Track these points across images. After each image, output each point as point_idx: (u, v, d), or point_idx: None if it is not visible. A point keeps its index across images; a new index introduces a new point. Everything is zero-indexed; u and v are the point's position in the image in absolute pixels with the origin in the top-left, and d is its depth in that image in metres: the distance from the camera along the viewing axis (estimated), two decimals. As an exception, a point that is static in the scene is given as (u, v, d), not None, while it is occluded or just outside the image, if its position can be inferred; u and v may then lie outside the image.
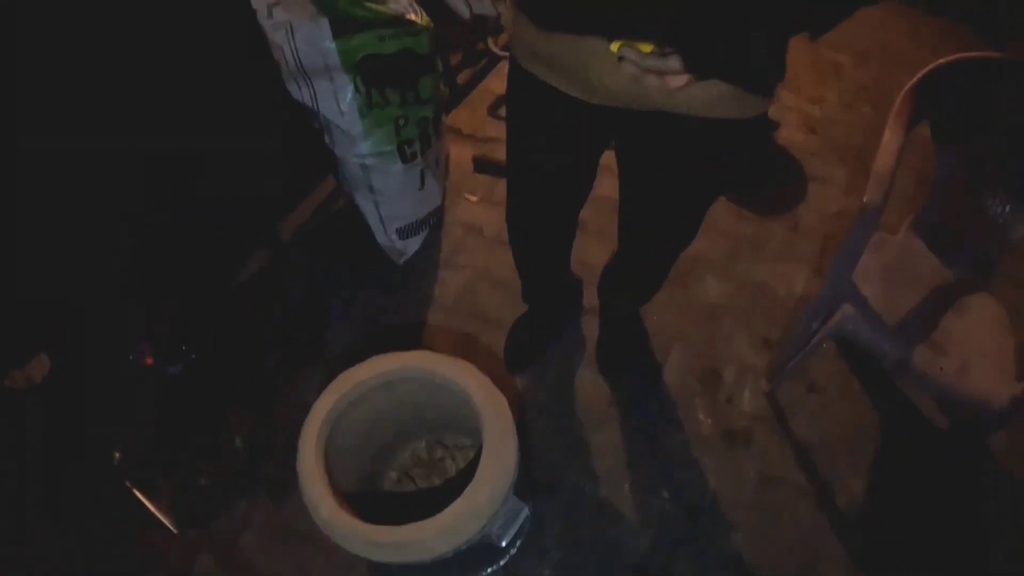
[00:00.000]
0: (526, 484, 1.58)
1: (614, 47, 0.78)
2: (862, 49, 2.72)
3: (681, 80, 0.75)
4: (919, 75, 1.47)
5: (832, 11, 0.76)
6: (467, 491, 1.10)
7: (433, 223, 1.99)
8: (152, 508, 1.73)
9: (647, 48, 0.76)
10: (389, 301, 1.95)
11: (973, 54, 1.47)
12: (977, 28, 2.87)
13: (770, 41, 0.87)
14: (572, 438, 1.70)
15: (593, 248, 1.99)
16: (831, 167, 2.25)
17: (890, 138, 1.43)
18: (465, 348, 1.84)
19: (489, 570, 1.46)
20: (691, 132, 0.99)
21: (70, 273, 1.63)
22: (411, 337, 1.88)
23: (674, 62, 0.73)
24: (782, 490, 1.64)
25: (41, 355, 1.66)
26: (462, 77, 2.41)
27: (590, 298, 1.86)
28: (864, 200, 1.39)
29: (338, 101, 1.62)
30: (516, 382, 1.79)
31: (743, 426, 1.71)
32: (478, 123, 2.30)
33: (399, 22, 1.61)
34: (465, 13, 0.89)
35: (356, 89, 1.61)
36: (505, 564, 1.51)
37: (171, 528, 1.71)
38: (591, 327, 1.85)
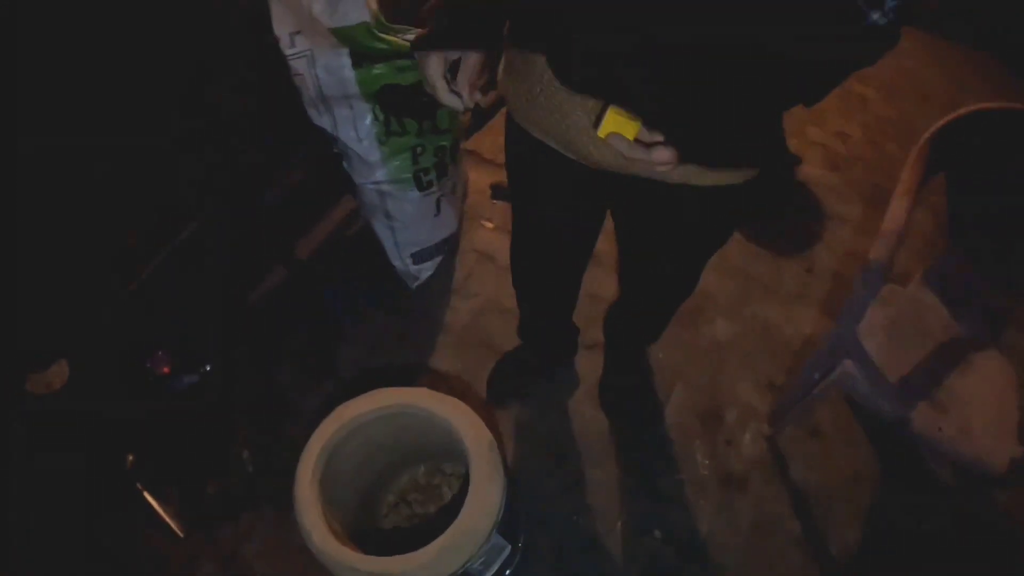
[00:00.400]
0: (517, 516, 1.59)
1: (602, 132, 0.75)
2: (888, 81, 2.67)
3: (669, 164, 0.75)
4: (935, 127, 1.44)
5: (823, 83, 0.74)
6: (450, 529, 1.12)
7: (448, 249, 2.01)
8: (160, 511, 1.79)
9: (633, 128, 0.75)
10: (401, 324, 1.98)
11: (990, 105, 1.44)
12: (1000, 54, 2.82)
13: (763, 117, 0.88)
14: (568, 472, 1.70)
15: (606, 282, 1.99)
16: (851, 205, 2.22)
17: (902, 192, 1.41)
18: (471, 375, 1.86)
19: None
20: (684, 197, 0.99)
21: (88, 280, 1.70)
22: (420, 360, 1.90)
23: (662, 153, 0.73)
24: (775, 537, 1.63)
25: (62, 362, 1.73)
26: (484, 101, 2.41)
27: (596, 334, 1.88)
28: (870, 257, 1.38)
29: (357, 128, 1.64)
30: (514, 413, 1.80)
31: (741, 470, 1.71)
32: (499, 149, 2.27)
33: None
34: (459, 106, 0.92)
35: (375, 117, 1.64)
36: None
37: (177, 532, 1.76)
38: (594, 362, 1.85)
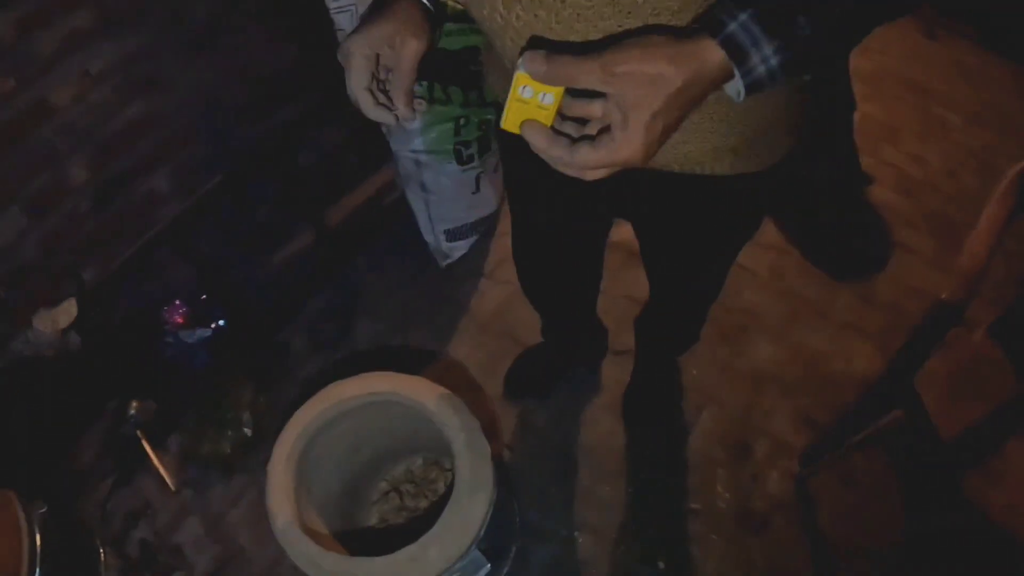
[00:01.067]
0: (511, 524, 1.49)
1: (511, 95, 0.55)
2: (972, 109, 2.39)
3: (602, 169, 0.55)
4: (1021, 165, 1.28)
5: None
6: (423, 539, 1.01)
7: (483, 231, 1.89)
8: (156, 461, 1.74)
9: (549, 113, 0.55)
10: (424, 303, 1.87)
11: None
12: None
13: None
14: (575, 484, 1.58)
15: (643, 282, 1.85)
16: (921, 236, 2.02)
17: (985, 230, 1.25)
18: (491, 367, 1.75)
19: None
20: (691, 189, 0.82)
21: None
22: (439, 344, 1.80)
23: (585, 153, 0.53)
24: None
25: (71, 300, 1.68)
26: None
27: (629, 339, 1.74)
28: (943, 297, 1.22)
29: (396, 92, 1.54)
30: (528, 414, 1.68)
31: (762, 509, 1.55)
32: None
33: (464, 17, 1.51)
34: (391, 121, 0.74)
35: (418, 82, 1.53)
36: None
37: (169, 484, 1.72)
38: (622, 369, 1.70)
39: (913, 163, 2.22)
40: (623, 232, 1.18)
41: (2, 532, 1.37)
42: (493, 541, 1.24)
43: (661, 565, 1.48)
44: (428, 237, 1.83)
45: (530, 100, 0.54)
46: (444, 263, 1.89)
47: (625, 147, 0.52)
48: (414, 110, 0.73)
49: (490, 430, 1.35)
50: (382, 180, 1.89)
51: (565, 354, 1.70)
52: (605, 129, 0.54)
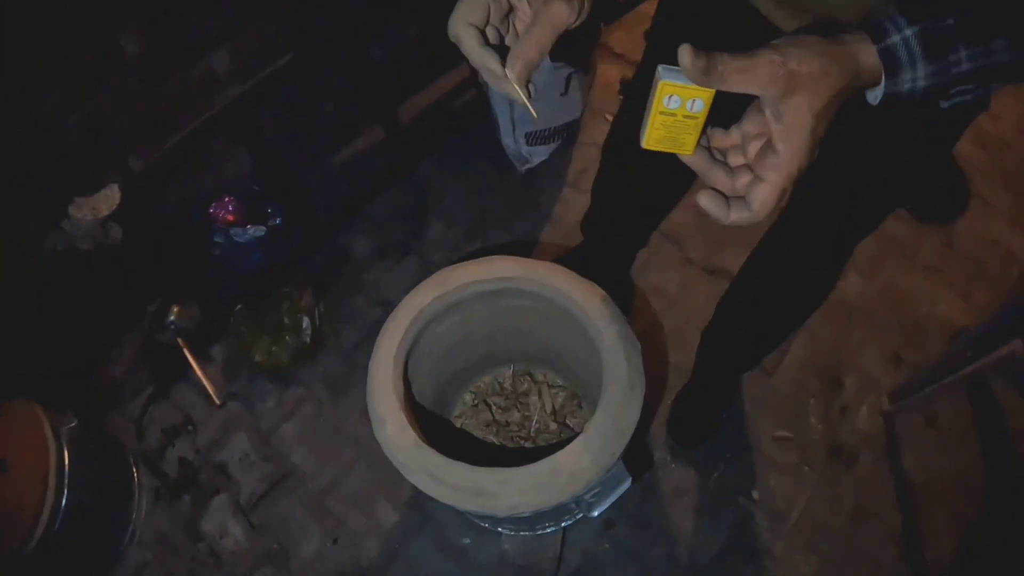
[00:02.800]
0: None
1: (654, 108, 0.48)
2: None
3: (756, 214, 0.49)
4: None
5: None
6: (573, 445, 0.84)
7: (566, 136, 1.71)
8: (198, 371, 1.58)
9: (698, 122, 0.49)
10: (502, 208, 1.69)
11: None
12: None
13: None
14: (663, 408, 1.45)
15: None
16: (997, 190, 1.93)
17: None
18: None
19: (550, 528, 1.28)
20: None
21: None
22: (520, 251, 1.64)
23: (761, 194, 0.48)
24: (874, 527, 1.38)
25: (113, 187, 1.50)
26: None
27: (716, 260, 1.60)
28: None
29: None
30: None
31: (852, 444, 1.45)
32: (631, 45, 1.97)
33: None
34: (497, 70, 0.54)
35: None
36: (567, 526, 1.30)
37: (213, 397, 1.56)
38: (711, 287, 1.53)
39: (987, 117, 2.14)
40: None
41: (28, 449, 1.21)
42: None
43: (755, 495, 1.38)
44: (507, 140, 1.64)
45: (677, 111, 0.48)
46: (523, 168, 1.70)
47: (792, 160, 0.47)
48: (527, 88, 0.54)
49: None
50: (455, 80, 1.70)
51: (598, 250, 1.50)
52: (764, 146, 0.48)
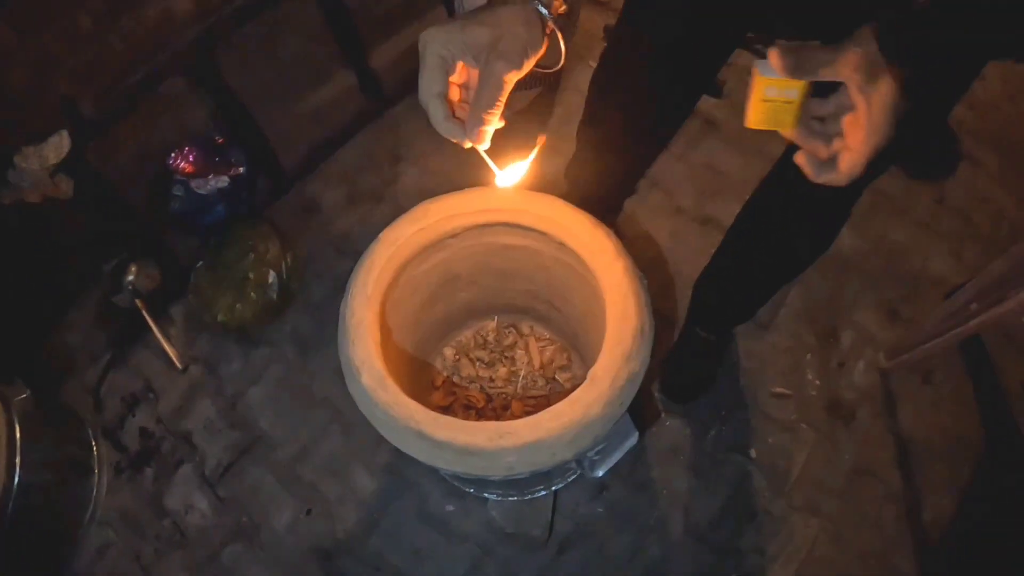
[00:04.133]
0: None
1: (754, 96, 0.54)
2: None
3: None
4: None
5: None
6: (579, 393, 0.70)
7: (548, 82, 1.57)
8: (158, 334, 1.44)
9: (795, 106, 0.54)
10: (479, 157, 1.59)
11: None
12: None
13: None
14: (657, 362, 1.33)
15: (724, 152, 1.59)
16: (985, 151, 1.85)
17: None
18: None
19: (541, 492, 1.16)
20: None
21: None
22: None
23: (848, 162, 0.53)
24: (873, 487, 1.28)
25: (63, 132, 1.35)
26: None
27: (710, 210, 1.49)
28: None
29: None
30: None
31: (850, 400, 1.36)
32: None
33: None
34: (461, 140, 0.62)
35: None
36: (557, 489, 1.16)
37: (175, 361, 1.42)
38: (706, 242, 1.40)
39: (977, 82, 2.07)
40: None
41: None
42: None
43: (753, 454, 1.28)
44: (485, 88, 1.52)
45: (776, 98, 0.54)
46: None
47: (877, 135, 0.51)
48: (490, 128, 0.60)
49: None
50: (432, 24, 1.58)
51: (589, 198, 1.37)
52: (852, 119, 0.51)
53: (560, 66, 0.63)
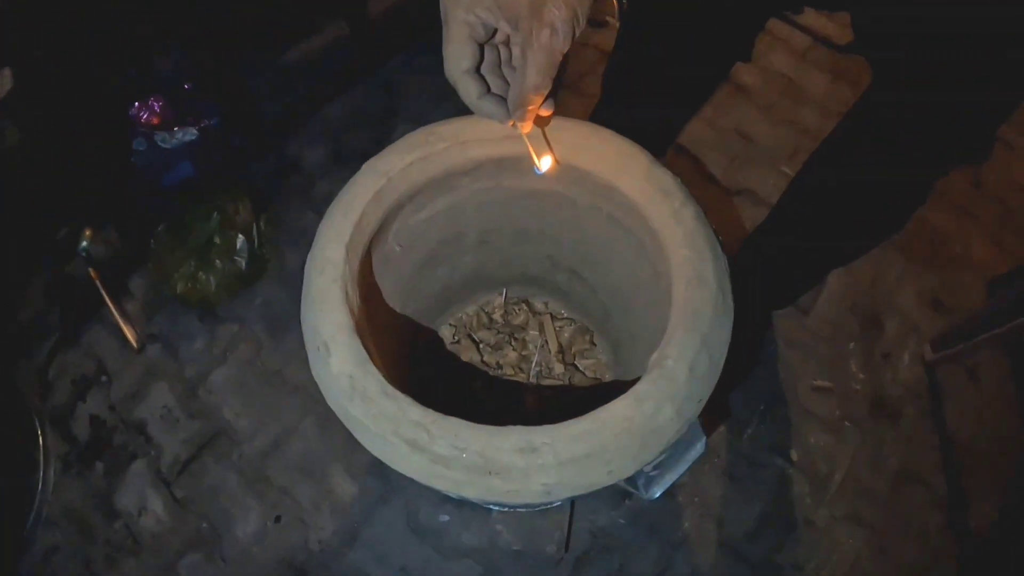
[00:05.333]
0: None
1: None
2: None
3: None
4: None
5: None
6: (643, 385, 0.48)
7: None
8: (113, 309, 1.21)
9: None
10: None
11: None
12: None
13: None
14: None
15: (754, 115, 1.40)
16: (1018, 135, 1.74)
17: None
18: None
19: (557, 502, 0.92)
20: None
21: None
22: None
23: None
24: (919, 493, 1.08)
25: (5, 70, 1.13)
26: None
27: (741, 180, 1.30)
28: None
29: None
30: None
31: (896, 396, 1.17)
32: None
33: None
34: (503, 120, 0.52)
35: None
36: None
37: (131, 340, 1.20)
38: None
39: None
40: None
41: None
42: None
43: (794, 456, 1.08)
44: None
45: None
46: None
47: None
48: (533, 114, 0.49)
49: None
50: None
51: None
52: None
53: (617, 19, 0.50)
